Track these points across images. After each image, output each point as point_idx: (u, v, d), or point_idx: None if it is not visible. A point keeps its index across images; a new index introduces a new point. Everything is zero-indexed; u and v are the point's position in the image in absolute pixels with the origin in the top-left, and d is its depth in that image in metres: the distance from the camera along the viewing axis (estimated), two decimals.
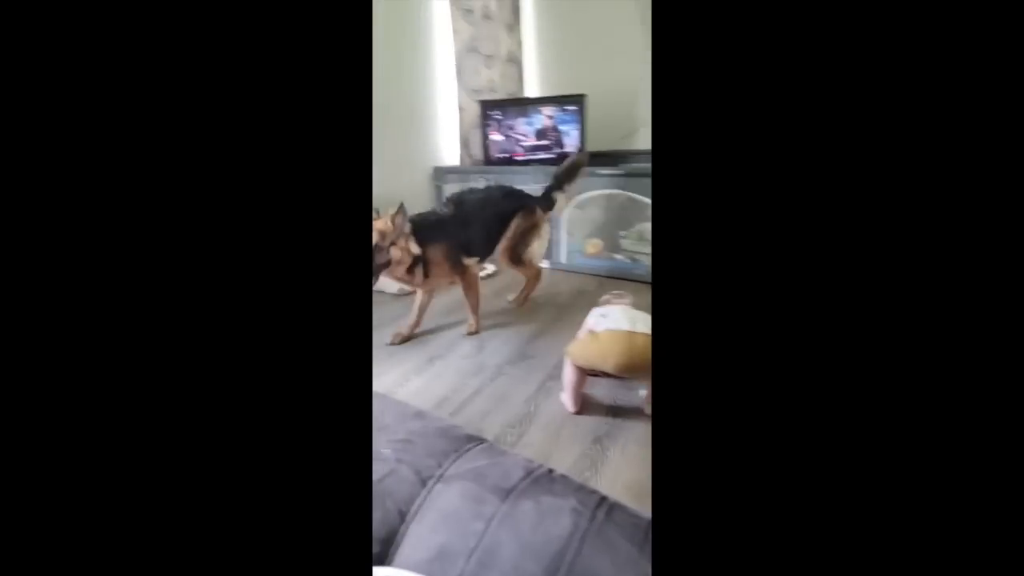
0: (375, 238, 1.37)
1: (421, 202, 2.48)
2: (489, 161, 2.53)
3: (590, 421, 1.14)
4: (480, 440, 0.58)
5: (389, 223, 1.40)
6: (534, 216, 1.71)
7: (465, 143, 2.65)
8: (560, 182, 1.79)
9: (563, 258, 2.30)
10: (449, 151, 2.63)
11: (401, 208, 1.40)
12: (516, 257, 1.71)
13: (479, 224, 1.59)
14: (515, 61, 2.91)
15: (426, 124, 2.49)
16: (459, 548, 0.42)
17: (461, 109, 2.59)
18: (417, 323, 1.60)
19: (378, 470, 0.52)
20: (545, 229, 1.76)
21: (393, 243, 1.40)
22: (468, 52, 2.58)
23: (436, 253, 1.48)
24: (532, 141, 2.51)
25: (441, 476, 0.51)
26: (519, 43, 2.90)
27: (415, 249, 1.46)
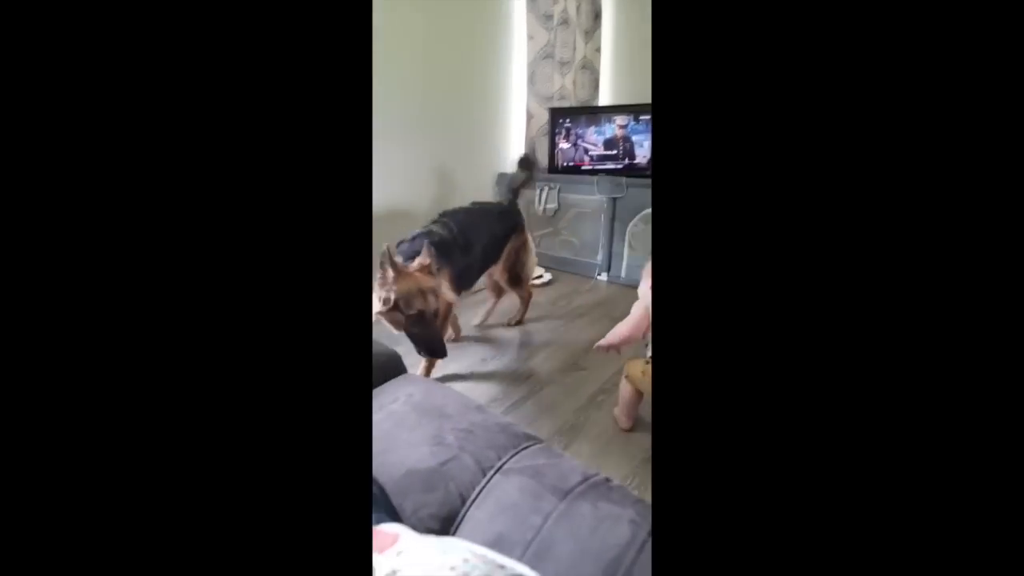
0: (414, 287, 1.07)
1: None
2: (554, 169, 2.55)
3: (642, 439, 1.12)
4: (537, 440, 0.60)
5: (426, 264, 1.12)
6: (524, 234, 1.63)
7: (531, 150, 2.69)
8: (515, 195, 1.71)
9: (623, 272, 2.26)
10: (515, 158, 2.68)
11: (430, 250, 1.15)
12: (516, 279, 1.62)
13: (480, 248, 1.39)
14: (590, 68, 2.90)
15: (494, 130, 2.55)
16: (517, 538, 0.44)
17: (530, 116, 2.63)
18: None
19: (442, 455, 0.56)
20: (532, 245, 1.68)
21: (435, 292, 1.12)
22: (543, 59, 2.62)
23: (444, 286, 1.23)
24: (600, 151, 2.49)
25: (500, 468, 0.53)
26: (596, 49, 2.89)
27: (450, 296, 1.23)
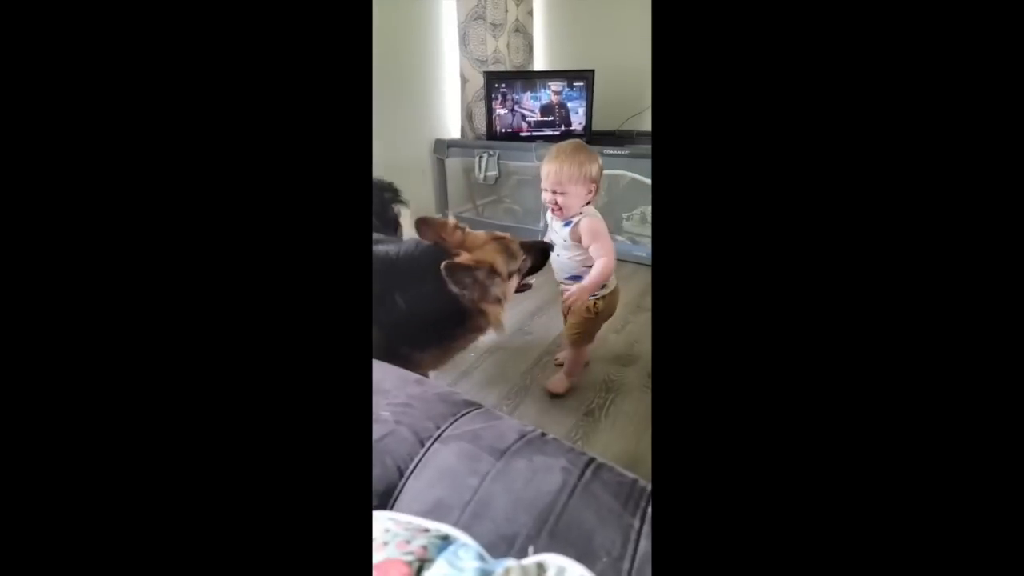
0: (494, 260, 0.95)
1: (421, 176, 2.46)
2: (492, 136, 2.49)
3: (583, 396, 1.17)
4: (478, 405, 0.61)
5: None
6: None
7: (468, 115, 2.60)
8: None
9: None
10: (452, 123, 2.58)
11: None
12: None
13: None
14: (523, 31, 2.82)
15: (428, 93, 2.43)
16: (454, 501, 0.44)
17: (465, 80, 2.53)
18: None
19: (378, 431, 0.54)
20: None
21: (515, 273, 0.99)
22: (474, 20, 2.50)
23: None
24: (538, 117, 2.47)
25: (439, 437, 0.53)
26: (528, 12, 2.81)
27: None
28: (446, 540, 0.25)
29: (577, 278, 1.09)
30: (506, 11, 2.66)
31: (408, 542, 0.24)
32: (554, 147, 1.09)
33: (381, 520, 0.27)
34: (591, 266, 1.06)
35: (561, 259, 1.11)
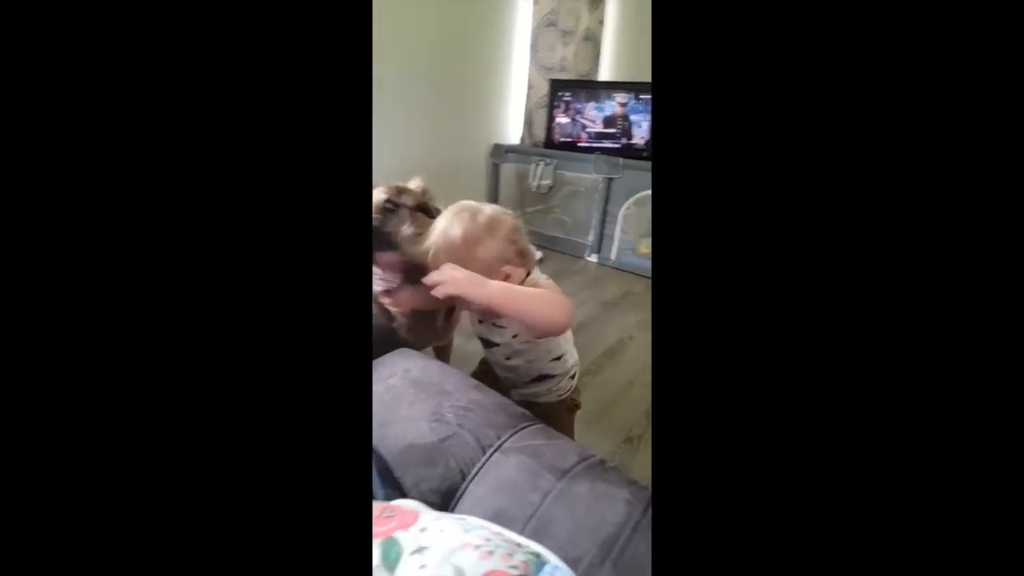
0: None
1: (475, 180, 2.50)
2: (550, 144, 2.51)
3: (624, 416, 1.16)
4: (534, 420, 0.62)
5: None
6: None
7: (529, 122, 2.62)
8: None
9: (613, 255, 2.28)
10: (512, 129, 2.62)
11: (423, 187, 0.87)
12: None
13: None
14: (593, 39, 2.81)
15: (492, 97, 2.46)
16: (516, 514, 0.45)
17: (530, 86, 2.56)
18: None
19: (441, 431, 0.57)
20: None
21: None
22: (546, 27, 2.52)
23: None
24: (599, 128, 2.45)
25: (500, 447, 0.55)
26: (600, 21, 2.80)
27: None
28: (538, 558, 0.26)
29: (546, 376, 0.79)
30: (578, 19, 2.66)
31: (511, 555, 0.25)
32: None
33: (480, 527, 0.28)
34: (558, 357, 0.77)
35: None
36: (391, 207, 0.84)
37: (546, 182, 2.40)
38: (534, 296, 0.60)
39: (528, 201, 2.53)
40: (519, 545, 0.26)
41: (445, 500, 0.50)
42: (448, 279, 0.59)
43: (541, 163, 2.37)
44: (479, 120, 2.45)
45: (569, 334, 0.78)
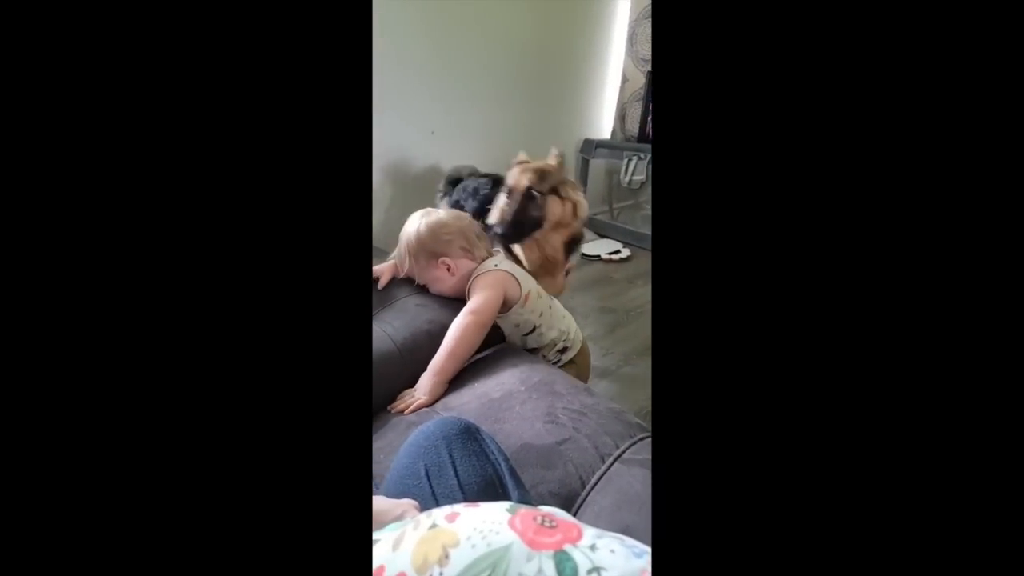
0: (527, 179, 0.90)
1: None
2: (644, 138, 2.39)
3: None
4: (650, 431, 0.58)
5: (552, 162, 0.94)
6: None
7: (621, 115, 2.53)
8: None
9: None
10: (604, 123, 2.54)
11: (560, 152, 0.96)
12: None
13: None
14: None
15: (584, 91, 2.41)
16: (645, 532, 0.43)
17: (625, 79, 2.46)
18: None
19: (558, 433, 0.56)
20: None
21: (556, 191, 0.92)
22: (645, 18, 2.40)
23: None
24: None
25: (619, 457, 0.53)
26: None
27: (583, 208, 0.96)
28: None
29: None
30: None
31: None
32: None
33: (644, 551, 0.26)
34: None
35: None
36: (533, 195, 0.91)
37: (639, 177, 2.29)
38: (451, 338, 0.70)
39: (617, 196, 2.45)
40: None
41: (565, 504, 0.49)
42: (413, 404, 0.67)
43: (634, 158, 2.27)
44: (570, 115, 2.42)
45: (546, 311, 0.83)
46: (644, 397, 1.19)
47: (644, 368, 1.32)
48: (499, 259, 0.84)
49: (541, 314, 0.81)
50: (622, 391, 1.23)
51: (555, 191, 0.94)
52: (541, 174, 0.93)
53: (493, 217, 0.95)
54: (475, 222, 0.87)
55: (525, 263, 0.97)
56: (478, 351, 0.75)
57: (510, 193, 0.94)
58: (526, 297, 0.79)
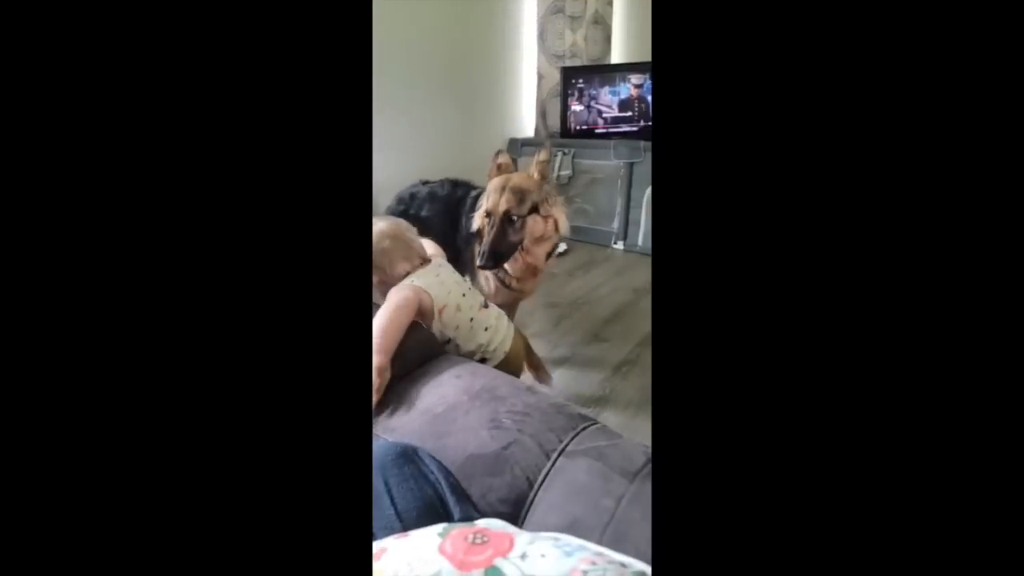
0: (505, 203, 0.88)
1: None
2: (567, 133, 2.46)
3: None
4: (593, 421, 0.60)
5: (534, 173, 0.92)
6: None
7: (542, 112, 2.58)
8: None
9: (640, 240, 2.22)
10: (526, 121, 2.58)
11: (548, 149, 0.94)
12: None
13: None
14: (602, 23, 2.74)
15: (503, 92, 2.44)
16: (592, 522, 0.44)
17: (540, 76, 2.52)
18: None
19: (502, 438, 0.56)
20: None
21: (536, 209, 0.90)
22: (553, 14, 2.47)
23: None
24: (615, 112, 2.40)
25: (563, 450, 0.53)
26: (608, 2, 2.72)
27: (564, 225, 0.95)
28: None
29: None
30: (585, 3, 2.60)
31: None
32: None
33: (583, 550, 0.27)
34: None
35: None
36: (512, 219, 0.91)
37: (565, 172, 2.36)
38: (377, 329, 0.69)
39: None
40: (624, 566, 0.25)
41: (515, 509, 0.49)
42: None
43: (559, 154, 2.33)
44: (492, 117, 2.44)
45: (463, 325, 0.82)
46: (602, 378, 1.23)
47: (597, 351, 1.37)
48: (426, 270, 0.84)
49: (457, 327, 0.82)
50: (579, 375, 1.27)
51: (535, 210, 0.93)
52: (521, 195, 0.92)
53: (476, 225, 0.95)
54: (410, 227, 0.88)
55: (509, 270, 1.00)
56: (420, 364, 0.73)
57: (488, 216, 0.93)
58: (440, 311, 0.80)
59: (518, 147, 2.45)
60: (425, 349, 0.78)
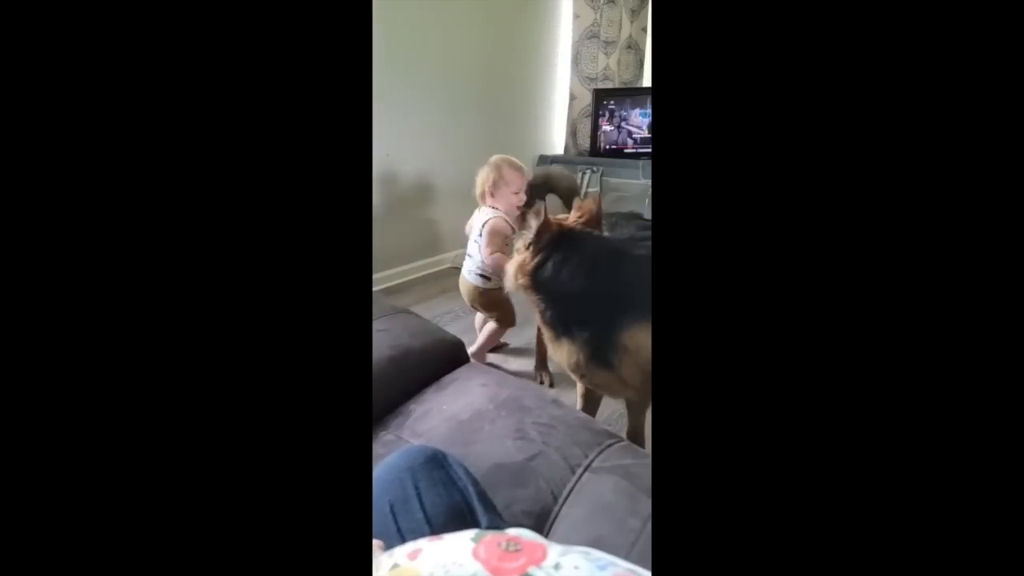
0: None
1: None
2: (596, 152, 2.49)
3: None
4: (619, 438, 0.59)
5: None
6: None
7: (573, 132, 2.62)
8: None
9: None
10: (557, 139, 2.63)
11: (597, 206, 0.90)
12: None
13: None
14: (635, 48, 2.78)
15: (535, 110, 2.50)
16: (618, 541, 0.44)
17: (573, 96, 2.56)
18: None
19: (528, 449, 0.56)
20: None
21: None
22: (588, 39, 2.52)
23: None
24: (645, 133, 2.41)
25: (589, 466, 0.53)
26: (643, 28, 2.77)
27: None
28: None
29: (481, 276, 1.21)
30: (620, 28, 2.65)
31: None
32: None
33: (614, 565, 0.26)
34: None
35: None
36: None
37: (593, 189, 2.37)
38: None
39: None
40: None
41: (539, 522, 0.48)
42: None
43: (588, 171, 2.36)
44: (525, 133, 2.49)
45: None
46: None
47: None
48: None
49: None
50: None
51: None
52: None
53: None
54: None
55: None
56: (443, 372, 0.74)
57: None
58: None
59: (548, 163, 2.49)
60: (451, 357, 0.79)
